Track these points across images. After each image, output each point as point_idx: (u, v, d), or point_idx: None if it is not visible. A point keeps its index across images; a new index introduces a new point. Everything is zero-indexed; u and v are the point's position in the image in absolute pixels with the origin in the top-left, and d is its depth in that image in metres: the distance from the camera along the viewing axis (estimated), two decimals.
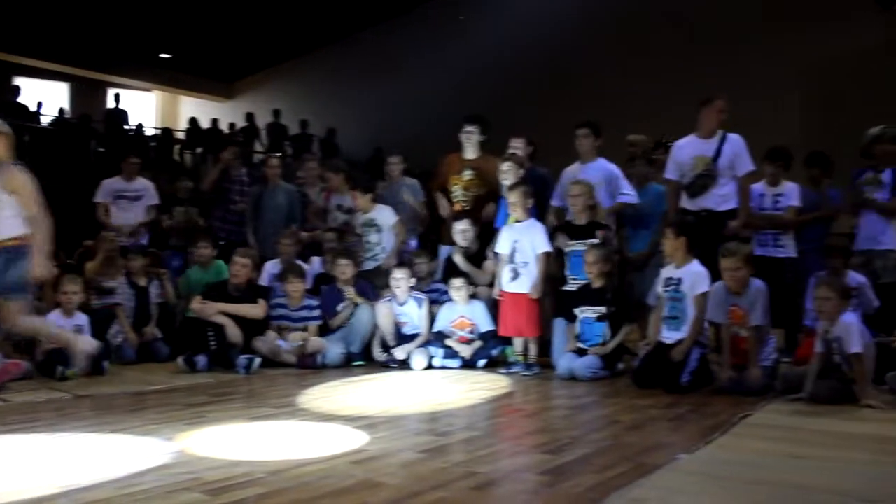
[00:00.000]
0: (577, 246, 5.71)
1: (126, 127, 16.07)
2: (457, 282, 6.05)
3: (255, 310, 6.15)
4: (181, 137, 17.06)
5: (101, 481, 2.65)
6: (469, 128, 6.70)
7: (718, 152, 5.83)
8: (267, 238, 7.52)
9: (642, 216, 6.49)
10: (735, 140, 5.86)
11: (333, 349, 6.09)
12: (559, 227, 5.98)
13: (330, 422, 3.81)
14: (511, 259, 5.71)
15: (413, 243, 7.35)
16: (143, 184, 8.00)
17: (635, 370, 5.04)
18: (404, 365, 5.97)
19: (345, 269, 6.35)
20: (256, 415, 4.02)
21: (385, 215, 6.74)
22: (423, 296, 6.26)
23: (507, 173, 6.05)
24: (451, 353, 5.94)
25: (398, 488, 2.56)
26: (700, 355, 4.75)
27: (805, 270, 5.89)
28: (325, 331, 6.29)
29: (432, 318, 6.16)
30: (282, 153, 15.08)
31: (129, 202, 7.87)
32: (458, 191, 6.73)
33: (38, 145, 13.69)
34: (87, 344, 5.17)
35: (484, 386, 5.07)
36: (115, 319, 6.45)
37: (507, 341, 5.89)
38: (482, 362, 5.95)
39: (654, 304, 5.41)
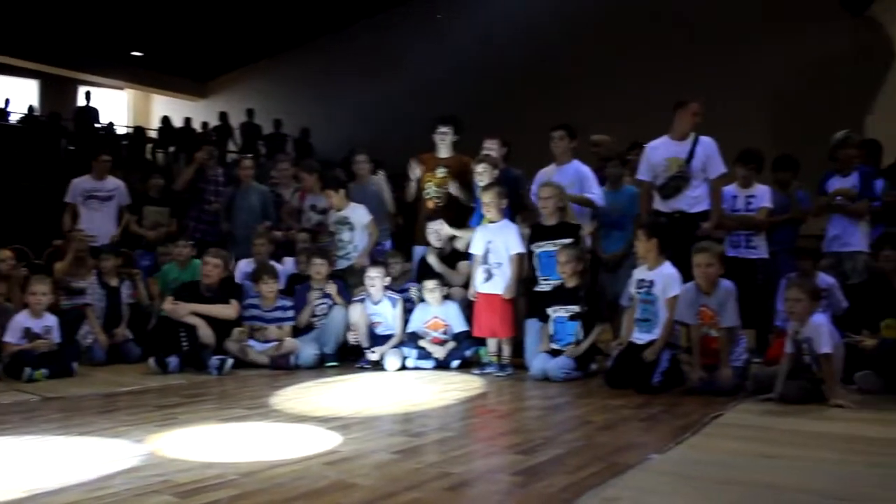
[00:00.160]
0: (548, 247, 5.74)
1: (97, 125, 15.88)
2: (430, 283, 6.04)
3: (228, 310, 6.11)
4: (153, 136, 16.90)
5: (69, 485, 2.62)
6: (443, 128, 6.73)
7: (691, 154, 5.87)
8: (240, 238, 7.49)
9: (616, 217, 6.53)
10: (707, 143, 5.92)
11: (306, 350, 6.06)
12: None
13: (303, 423, 3.79)
14: (485, 260, 5.72)
15: (387, 244, 7.34)
16: (114, 183, 7.88)
17: (607, 371, 5.07)
18: (378, 366, 5.96)
19: (320, 268, 6.33)
20: (229, 416, 3.99)
21: (359, 214, 6.73)
22: (397, 296, 6.25)
23: (483, 174, 6.06)
24: (424, 354, 5.93)
25: (372, 489, 2.55)
26: (671, 356, 4.78)
27: (776, 272, 5.97)
28: (297, 331, 6.27)
29: (406, 318, 6.15)
30: (255, 153, 15.00)
31: (99, 202, 7.72)
32: (431, 189, 6.75)
33: (6, 143, 13.53)
34: None
35: (458, 387, 5.07)
36: (85, 320, 6.38)
37: (481, 342, 5.89)
38: (456, 363, 5.95)
39: (627, 306, 5.44)
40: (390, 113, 14.78)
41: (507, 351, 5.67)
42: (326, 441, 3.30)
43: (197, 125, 16.88)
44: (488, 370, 5.59)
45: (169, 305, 6.02)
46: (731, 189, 6.19)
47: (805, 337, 4.24)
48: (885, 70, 10.22)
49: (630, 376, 4.77)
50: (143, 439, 3.33)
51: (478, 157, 6.29)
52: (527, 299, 5.85)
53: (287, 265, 7.05)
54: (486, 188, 5.83)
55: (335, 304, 6.29)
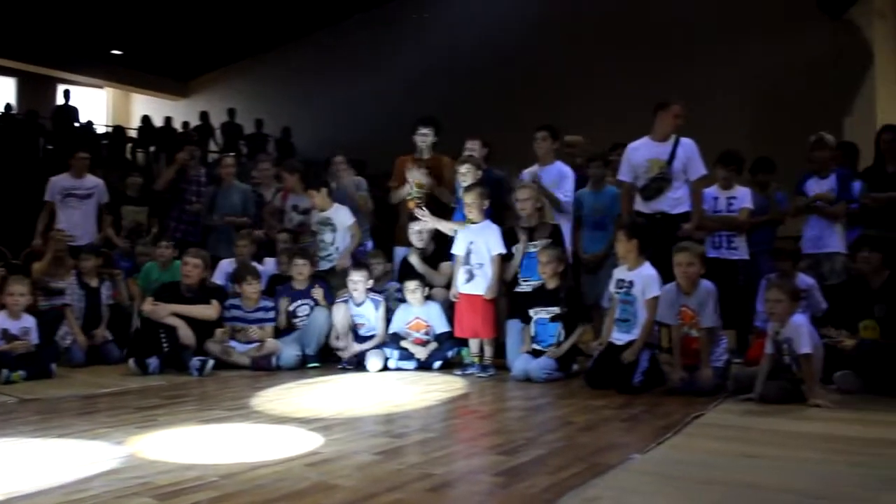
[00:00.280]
0: (528, 247, 5.74)
1: (76, 124, 15.73)
2: (411, 284, 6.03)
3: (209, 311, 6.07)
4: (133, 136, 16.76)
5: (47, 487, 2.59)
6: (424, 130, 6.73)
7: (672, 156, 5.90)
8: (221, 238, 7.45)
9: (598, 218, 6.55)
10: (688, 144, 5.95)
11: (288, 351, 6.04)
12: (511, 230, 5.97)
13: (284, 424, 3.77)
14: (466, 260, 5.71)
15: (369, 244, 7.32)
16: (93, 181, 7.79)
17: (588, 371, 5.08)
18: (359, 366, 5.94)
19: (302, 269, 6.31)
20: (209, 417, 3.96)
21: (342, 215, 6.69)
22: (379, 297, 6.23)
23: (466, 175, 6.05)
24: (406, 355, 5.93)
25: (353, 490, 2.54)
26: (650, 355, 4.80)
27: (756, 273, 6.01)
28: (278, 332, 6.24)
29: (388, 319, 6.14)
30: (237, 153, 14.93)
31: (78, 200, 7.63)
32: (412, 189, 6.73)
33: None
34: None
35: (439, 387, 5.07)
36: (64, 321, 6.31)
37: (463, 343, 5.89)
38: (438, 364, 5.94)
39: (608, 307, 5.46)
40: (372, 113, 14.73)
41: (488, 352, 5.67)
42: (308, 442, 3.29)
43: (177, 125, 16.77)
44: (470, 371, 5.59)
45: (149, 306, 5.97)
46: (712, 191, 6.23)
47: (785, 337, 4.27)
48: (862, 73, 10.31)
49: (610, 377, 4.78)
50: (122, 441, 3.30)
51: (461, 158, 6.29)
52: (508, 300, 5.86)
53: (268, 266, 7.02)
54: (468, 189, 5.83)
55: (318, 304, 6.27)
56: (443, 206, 6.64)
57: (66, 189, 7.63)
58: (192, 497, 2.47)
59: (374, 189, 7.64)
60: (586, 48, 13.01)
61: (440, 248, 6.36)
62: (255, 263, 6.75)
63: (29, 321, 5.72)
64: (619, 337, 5.01)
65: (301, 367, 6.04)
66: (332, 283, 6.52)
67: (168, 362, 5.77)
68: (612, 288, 5.17)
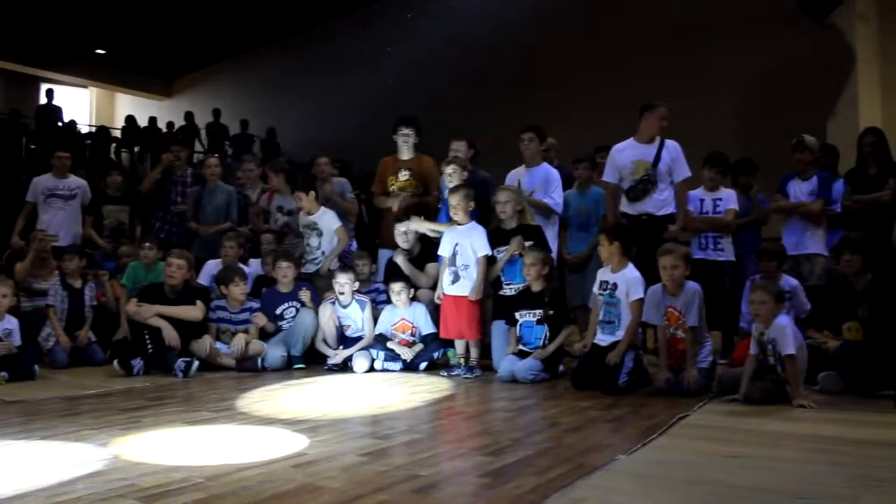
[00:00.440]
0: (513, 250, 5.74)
1: (60, 124, 15.62)
2: (396, 286, 6.02)
3: (194, 311, 6.04)
4: (117, 136, 16.67)
5: (29, 490, 2.57)
6: (406, 130, 6.73)
7: (658, 158, 5.93)
8: (207, 239, 7.42)
9: (583, 219, 6.57)
10: (673, 146, 5.98)
11: (274, 352, 6.02)
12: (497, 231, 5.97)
13: (270, 425, 3.76)
14: (452, 262, 5.71)
15: (353, 245, 7.31)
16: (76, 181, 7.74)
17: (573, 372, 5.09)
18: (345, 367, 5.93)
19: (286, 271, 6.29)
20: (194, 419, 3.94)
21: (328, 219, 6.65)
22: (365, 298, 6.22)
23: (452, 176, 6.06)
24: (392, 356, 5.92)
25: (339, 492, 2.53)
26: (634, 356, 4.82)
27: (742, 274, 6.06)
28: (264, 334, 6.22)
29: (375, 321, 6.13)
30: (222, 154, 14.87)
31: (62, 201, 7.58)
32: (395, 192, 6.75)
33: None
34: None
35: (425, 388, 5.06)
36: (47, 322, 6.27)
37: (449, 344, 5.89)
38: (424, 365, 5.94)
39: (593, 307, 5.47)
40: (357, 114, 14.73)
41: (474, 353, 5.68)
42: (293, 444, 3.28)
43: (162, 125, 16.69)
44: (456, 372, 5.59)
45: (133, 307, 5.94)
46: (697, 192, 6.26)
47: (769, 338, 4.30)
48: (845, 76, 10.39)
49: (596, 378, 4.79)
50: (107, 443, 3.28)
51: (447, 159, 6.29)
52: (493, 301, 5.85)
53: (253, 267, 6.99)
54: (453, 190, 5.82)
55: (304, 306, 6.25)
56: (426, 210, 6.66)
57: (49, 189, 7.58)
58: (177, 499, 2.46)
59: (357, 190, 7.62)
60: (571, 49, 13.03)
61: (426, 249, 6.37)
62: (240, 265, 6.71)
63: (11, 322, 5.68)
64: (603, 338, 5.01)
65: (287, 369, 6.02)
66: (317, 286, 6.50)
67: (152, 363, 5.74)
68: (595, 289, 5.19)
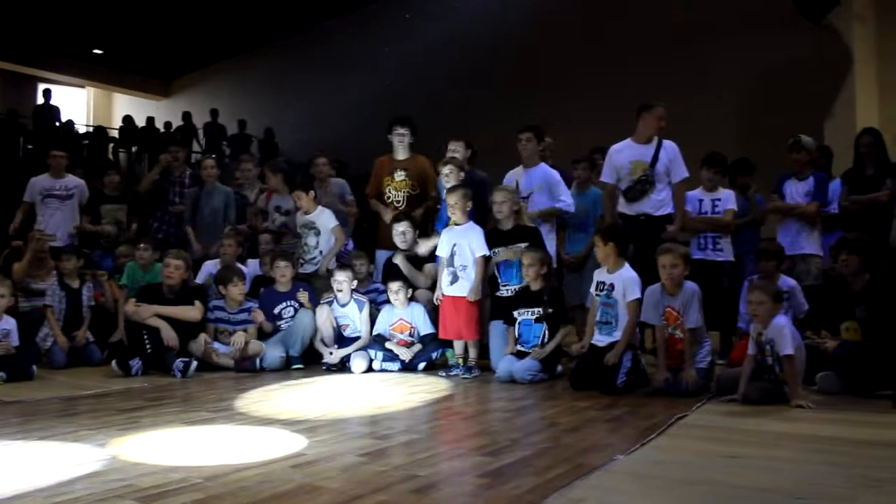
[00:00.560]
0: (505, 252, 5.74)
1: (57, 124, 15.61)
2: (394, 285, 6.02)
3: (192, 312, 6.03)
4: (115, 136, 16.66)
5: (27, 490, 2.56)
6: (401, 130, 6.75)
7: (655, 158, 5.93)
8: (204, 239, 7.41)
9: (580, 219, 6.58)
10: (670, 147, 5.98)
11: (272, 352, 6.02)
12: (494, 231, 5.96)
13: (268, 426, 3.75)
14: (450, 262, 5.71)
15: (350, 244, 7.30)
16: (73, 181, 7.74)
17: (571, 373, 5.09)
18: (344, 368, 5.93)
19: (284, 271, 6.28)
20: (193, 419, 3.94)
21: (325, 218, 6.65)
22: (364, 298, 6.22)
23: (449, 176, 6.06)
24: (390, 356, 5.92)
25: (338, 492, 2.53)
26: (632, 356, 4.82)
27: (741, 274, 6.06)
28: (262, 334, 6.22)
29: (373, 321, 6.13)
30: (220, 154, 14.86)
31: (59, 201, 7.58)
32: (391, 192, 6.76)
33: None
34: None
35: (424, 389, 5.06)
36: (45, 322, 6.26)
37: (447, 344, 5.89)
38: (422, 365, 5.94)
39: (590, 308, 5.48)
40: (354, 114, 14.72)
41: (473, 353, 5.68)
42: (292, 444, 3.28)
43: (160, 125, 16.68)
44: (454, 372, 5.59)
45: (132, 307, 5.93)
46: (696, 193, 6.26)
47: (768, 338, 4.30)
48: (843, 77, 10.41)
49: (594, 378, 4.79)
50: (105, 443, 3.28)
51: (444, 159, 6.29)
52: (491, 301, 5.85)
53: (251, 267, 6.99)
54: (451, 190, 5.83)
55: (302, 306, 6.24)
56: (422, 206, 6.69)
57: (47, 189, 7.57)
58: (175, 499, 2.45)
59: (355, 189, 7.61)
60: (571, 50, 13.04)
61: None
62: (238, 264, 6.71)
63: (9, 323, 5.67)
64: (601, 339, 5.02)
65: (285, 369, 6.02)
66: (315, 286, 6.49)
67: (151, 364, 5.74)
68: (592, 290, 5.19)
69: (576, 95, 12.49)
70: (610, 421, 3.89)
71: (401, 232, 6.29)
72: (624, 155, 6.05)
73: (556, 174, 6.34)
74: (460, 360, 5.67)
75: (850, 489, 2.57)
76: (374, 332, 6.05)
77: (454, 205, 5.71)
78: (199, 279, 6.71)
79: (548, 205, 6.22)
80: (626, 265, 5.04)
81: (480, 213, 6.15)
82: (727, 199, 6.23)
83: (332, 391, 5.08)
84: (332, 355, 5.98)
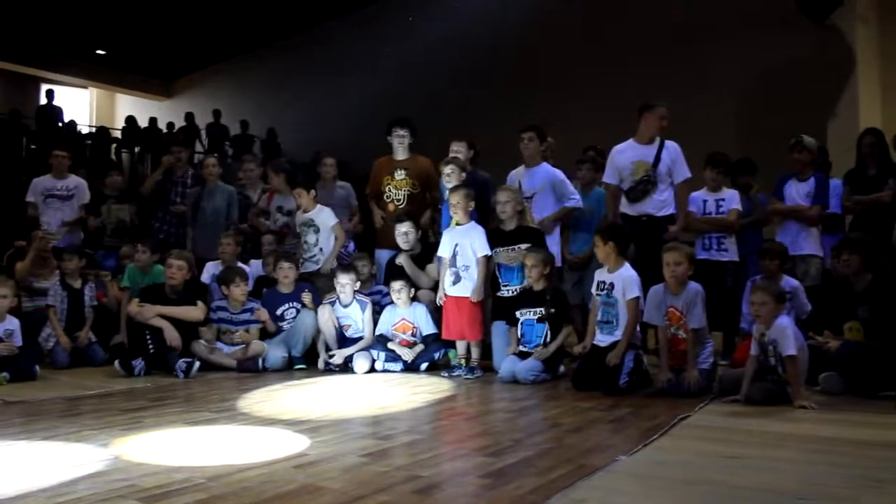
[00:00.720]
0: (507, 252, 5.74)
1: (60, 124, 15.63)
2: (396, 284, 6.02)
3: (195, 312, 6.04)
4: (118, 136, 16.68)
5: (30, 490, 2.56)
6: (401, 131, 6.78)
7: (658, 158, 5.93)
8: (207, 240, 7.41)
9: (584, 219, 6.57)
10: (672, 147, 5.98)
11: (274, 352, 6.02)
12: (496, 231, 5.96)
13: (271, 426, 3.76)
14: (453, 262, 5.71)
15: (351, 245, 7.31)
16: (74, 181, 7.76)
17: (574, 373, 5.09)
18: (346, 368, 5.93)
19: (287, 272, 6.29)
20: (195, 419, 3.94)
21: (324, 217, 6.66)
22: (366, 299, 6.22)
23: (451, 176, 6.06)
24: (393, 357, 5.92)
25: (340, 492, 2.53)
26: (634, 356, 4.82)
27: (745, 275, 6.05)
28: (265, 334, 6.22)
29: (375, 322, 6.13)
30: (222, 154, 14.86)
31: (60, 201, 7.61)
32: (391, 191, 6.76)
33: None
34: None
35: (426, 389, 5.06)
36: (47, 322, 6.27)
37: (450, 344, 5.89)
38: (424, 365, 5.95)
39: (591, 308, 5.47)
40: (356, 114, 14.72)
41: (475, 353, 5.68)
42: (294, 444, 3.28)
43: (162, 125, 16.69)
44: (457, 372, 5.59)
45: (135, 308, 5.94)
46: (700, 193, 6.26)
47: (770, 339, 4.29)
48: (846, 77, 10.40)
49: (597, 378, 4.79)
50: (108, 443, 3.28)
51: (446, 159, 6.29)
52: (493, 302, 5.85)
53: (254, 267, 7.00)
54: (454, 190, 5.83)
55: (304, 307, 6.25)
56: (423, 210, 6.68)
57: (48, 190, 7.61)
58: (178, 499, 2.46)
59: (355, 189, 7.61)
60: (571, 50, 13.03)
61: (426, 249, 6.37)
62: (240, 265, 6.72)
63: (13, 323, 5.69)
64: (602, 339, 5.02)
65: (287, 369, 6.02)
66: (317, 285, 6.50)
67: (153, 364, 5.74)
68: (592, 290, 5.19)
69: (576, 95, 12.48)
70: (612, 421, 3.88)
71: (403, 232, 6.29)
72: (626, 155, 6.05)
73: (559, 173, 6.34)
74: (463, 361, 5.67)
75: (853, 490, 2.57)
76: (377, 332, 6.05)
77: (456, 205, 5.71)
78: (202, 280, 6.70)
79: (552, 206, 6.22)
80: (627, 264, 5.05)
81: (483, 214, 6.15)
82: (731, 199, 6.22)
83: (334, 391, 5.08)
84: (333, 357, 5.97)
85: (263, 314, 6.18)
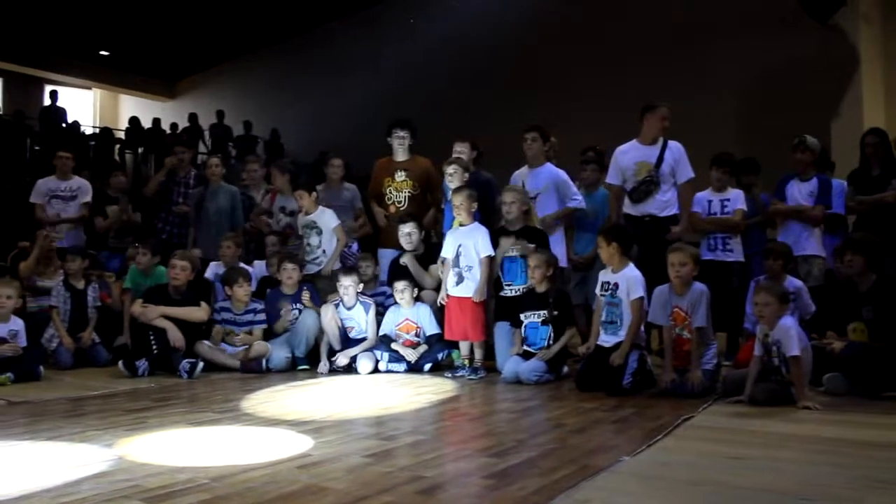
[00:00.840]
0: (512, 252, 5.74)
1: (63, 125, 15.65)
2: (400, 284, 6.03)
3: (199, 312, 6.05)
4: (121, 137, 16.69)
5: (34, 491, 2.57)
6: (402, 132, 6.80)
7: (661, 159, 5.93)
8: (210, 240, 7.41)
9: (588, 219, 6.57)
10: (676, 147, 5.98)
11: (278, 353, 6.03)
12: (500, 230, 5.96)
13: (274, 426, 3.76)
14: (456, 263, 5.71)
15: (354, 246, 7.31)
16: (78, 182, 7.77)
17: (577, 373, 5.09)
18: (350, 369, 5.94)
19: (291, 273, 6.29)
20: (199, 420, 3.95)
21: (326, 218, 6.67)
22: (370, 300, 6.22)
23: (453, 176, 6.06)
24: (396, 357, 5.92)
25: (344, 493, 2.53)
26: (638, 356, 4.82)
27: (750, 275, 6.04)
28: (268, 334, 6.23)
29: (379, 323, 6.13)
30: (226, 155, 14.87)
31: (63, 202, 7.61)
32: (391, 193, 6.77)
33: None
34: None
35: (430, 390, 5.07)
36: (50, 322, 6.27)
37: (453, 345, 5.89)
38: (428, 366, 5.94)
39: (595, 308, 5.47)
40: (357, 114, 14.72)
41: (479, 354, 5.68)
42: (298, 444, 3.28)
43: (166, 126, 16.70)
44: (460, 373, 5.60)
45: (138, 308, 5.95)
46: (705, 193, 6.25)
47: (774, 340, 4.29)
48: (849, 77, 10.39)
49: (600, 379, 4.79)
50: (112, 444, 3.29)
51: (448, 160, 6.29)
52: (496, 302, 5.85)
53: (257, 268, 7.00)
54: (457, 190, 5.83)
55: (306, 307, 6.25)
56: (424, 210, 6.68)
57: (52, 191, 7.63)
58: (182, 500, 2.46)
59: (360, 190, 7.62)
60: (571, 50, 13.03)
61: (429, 250, 6.38)
62: (243, 265, 6.72)
63: (17, 324, 5.69)
64: (606, 339, 5.02)
65: (291, 370, 6.02)
66: (319, 287, 6.50)
67: (157, 364, 5.75)
68: (597, 290, 5.19)
69: (576, 95, 12.49)
70: (616, 422, 3.88)
71: (407, 233, 6.29)
72: (629, 156, 6.05)
73: (562, 173, 6.34)
74: (466, 361, 5.67)
75: (856, 490, 2.56)
76: (381, 333, 6.05)
77: (459, 205, 5.71)
78: None
79: (556, 206, 6.22)
80: (631, 265, 5.05)
81: (486, 214, 6.15)
82: (736, 199, 6.21)
83: (337, 392, 5.08)
84: (337, 360, 5.97)
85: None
